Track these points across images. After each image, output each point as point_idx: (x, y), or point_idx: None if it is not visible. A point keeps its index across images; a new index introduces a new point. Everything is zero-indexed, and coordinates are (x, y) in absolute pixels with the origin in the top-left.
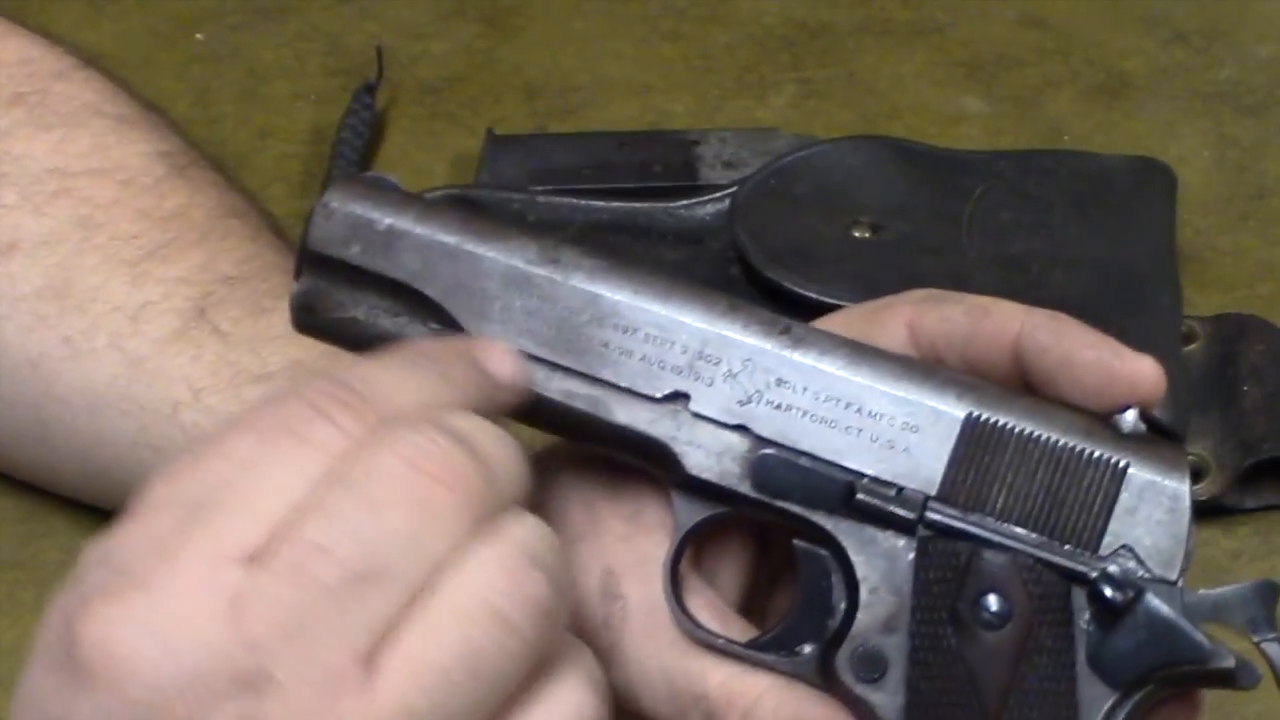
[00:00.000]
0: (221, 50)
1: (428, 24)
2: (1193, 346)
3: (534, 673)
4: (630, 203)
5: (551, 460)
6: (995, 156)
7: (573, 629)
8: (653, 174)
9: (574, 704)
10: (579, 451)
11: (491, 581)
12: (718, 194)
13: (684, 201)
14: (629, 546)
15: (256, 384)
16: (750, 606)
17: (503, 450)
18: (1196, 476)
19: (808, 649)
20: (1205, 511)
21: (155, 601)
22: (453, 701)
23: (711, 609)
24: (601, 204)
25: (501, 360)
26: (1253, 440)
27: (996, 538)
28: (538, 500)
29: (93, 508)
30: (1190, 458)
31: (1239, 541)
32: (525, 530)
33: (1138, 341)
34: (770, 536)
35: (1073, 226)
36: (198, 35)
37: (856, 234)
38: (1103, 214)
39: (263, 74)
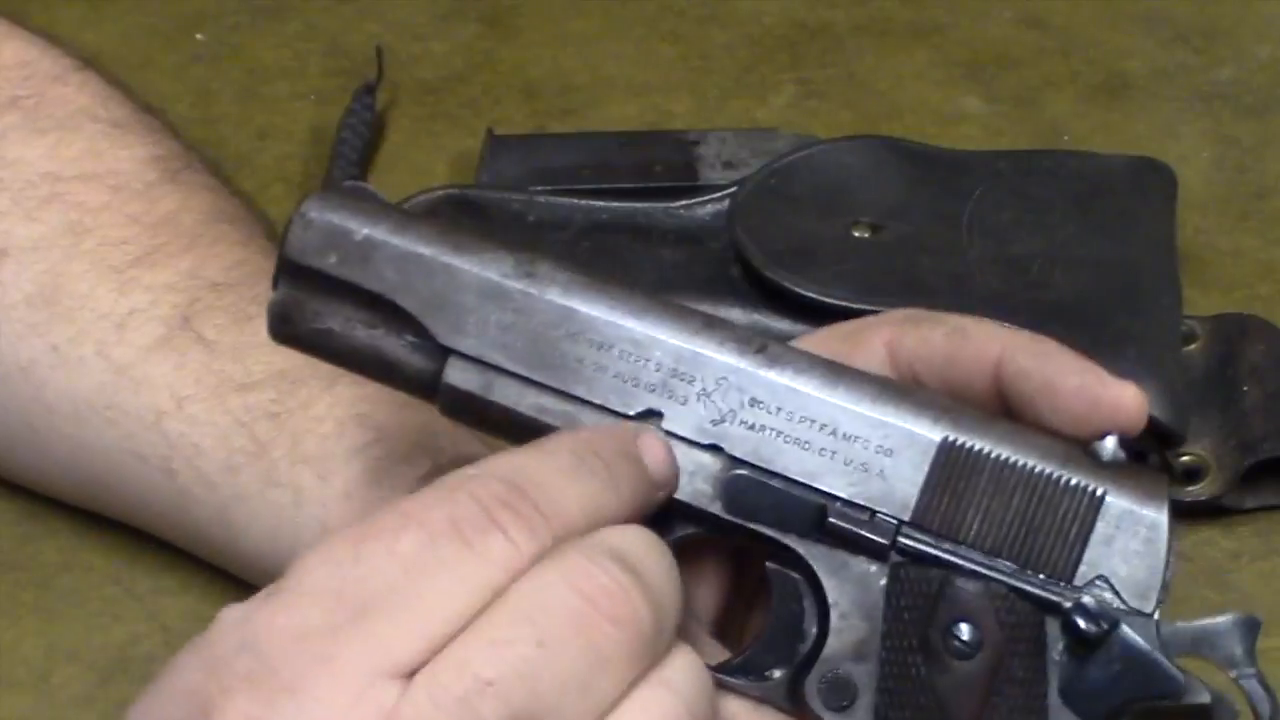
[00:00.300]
0: (221, 50)
1: (428, 24)
2: (1193, 346)
3: None
4: (630, 203)
5: None
6: (995, 156)
7: None
8: (653, 174)
9: None
10: None
11: (684, 684)
12: (718, 194)
13: (684, 201)
14: None
15: (240, 393)
16: (728, 627)
17: (668, 574)
18: (1196, 476)
19: (778, 674)
20: (1205, 511)
21: (305, 709)
22: None
23: (685, 632)
24: (601, 204)
25: (658, 456)
26: (1253, 440)
27: (970, 565)
28: None
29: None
30: (1190, 458)
31: (1239, 541)
32: (685, 676)
33: (1138, 341)
34: (746, 557)
35: (1073, 226)
36: (198, 35)
37: (856, 234)
38: (1103, 214)
39: (263, 74)
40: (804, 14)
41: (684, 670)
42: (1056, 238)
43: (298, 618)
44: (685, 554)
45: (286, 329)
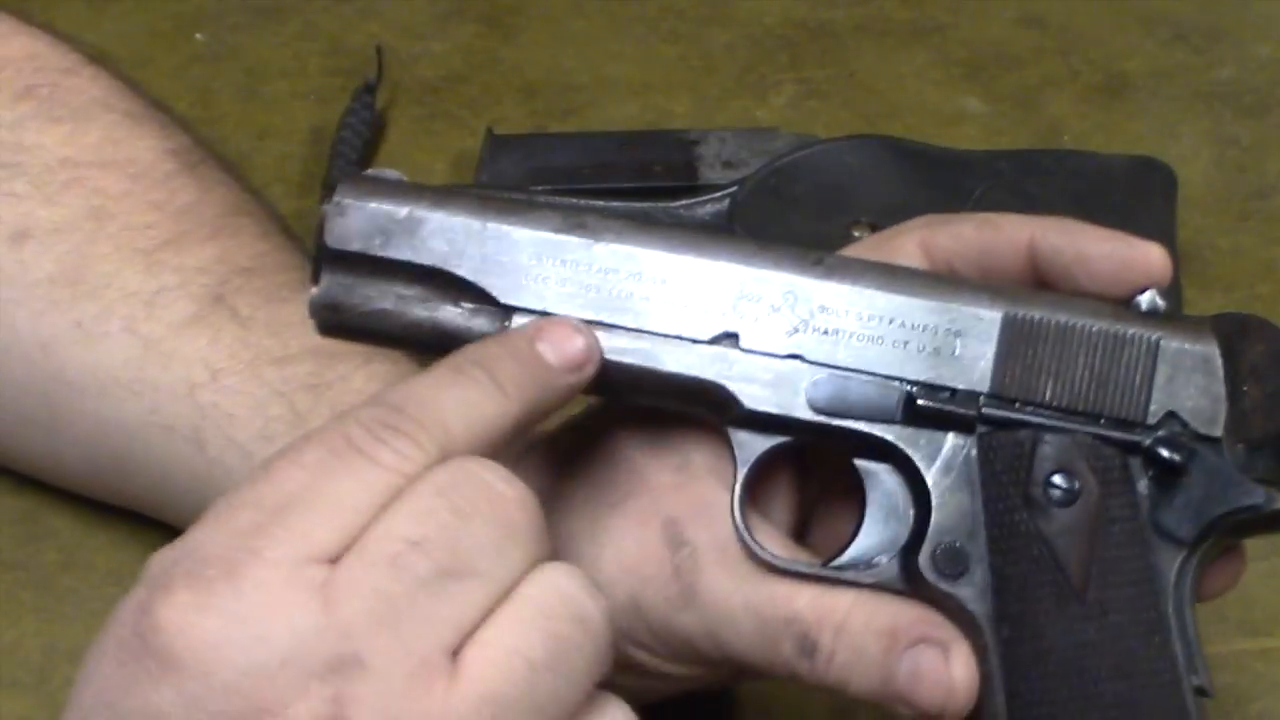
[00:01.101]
0: (221, 50)
1: (428, 24)
2: None
3: (589, 699)
4: (630, 203)
5: (584, 429)
6: (995, 156)
7: (643, 586)
8: (653, 174)
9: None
10: (610, 415)
11: (568, 585)
12: (718, 194)
13: (684, 201)
14: (683, 495)
15: (277, 366)
16: (794, 537)
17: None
18: None
19: (884, 560)
20: None
21: (242, 590)
22: (537, 690)
23: (777, 541)
24: (601, 204)
25: (564, 340)
26: (1253, 440)
27: (1053, 422)
28: (581, 468)
29: (94, 509)
30: None
31: None
32: (569, 572)
33: None
34: (809, 465)
35: None
36: (198, 35)
37: (856, 234)
38: (1103, 214)
39: (263, 74)
40: (804, 14)
41: (566, 568)
42: None
43: (226, 526)
44: (759, 472)
45: (336, 318)
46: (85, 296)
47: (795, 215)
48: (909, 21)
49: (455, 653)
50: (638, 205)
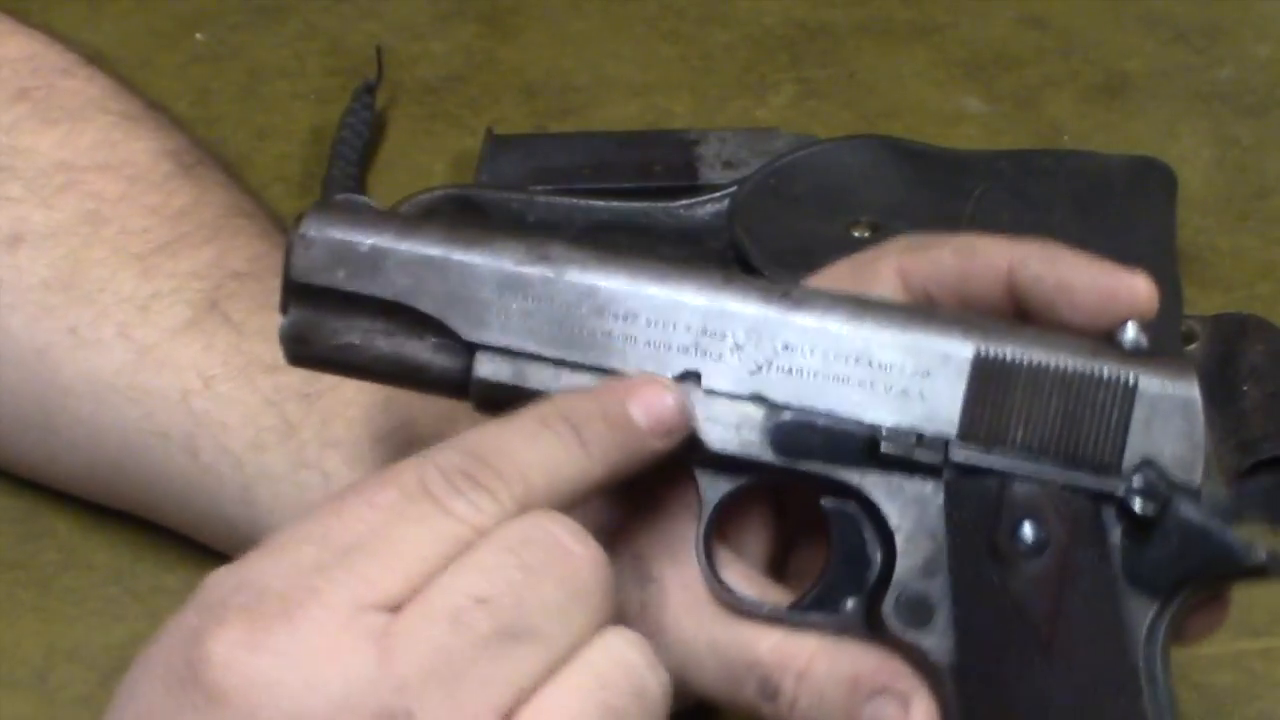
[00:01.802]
0: (221, 50)
1: (428, 24)
2: (1193, 346)
3: None
4: (630, 203)
5: None
6: (995, 156)
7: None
8: (653, 174)
9: None
10: None
11: (630, 656)
12: (718, 194)
13: (684, 201)
14: (653, 531)
15: (269, 374)
16: (771, 570)
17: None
18: None
19: (849, 604)
20: None
21: (298, 631)
22: None
23: (747, 579)
24: (601, 204)
25: (656, 404)
26: (1253, 440)
27: (1022, 469)
28: None
29: (93, 508)
30: None
31: None
32: (633, 639)
33: None
34: (785, 499)
35: (1073, 226)
36: (198, 35)
37: (856, 234)
38: (1103, 214)
39: (263, 74)
40: (804, 14)
41: (631, 636)
42: (1056, 238)
43: (288, 560)
44: (730, 506)
45: (304, 350)
46: (80, 302)
47: (795, 215)
48: (909, 21)
49: (508, 714)
50: (637, 205)
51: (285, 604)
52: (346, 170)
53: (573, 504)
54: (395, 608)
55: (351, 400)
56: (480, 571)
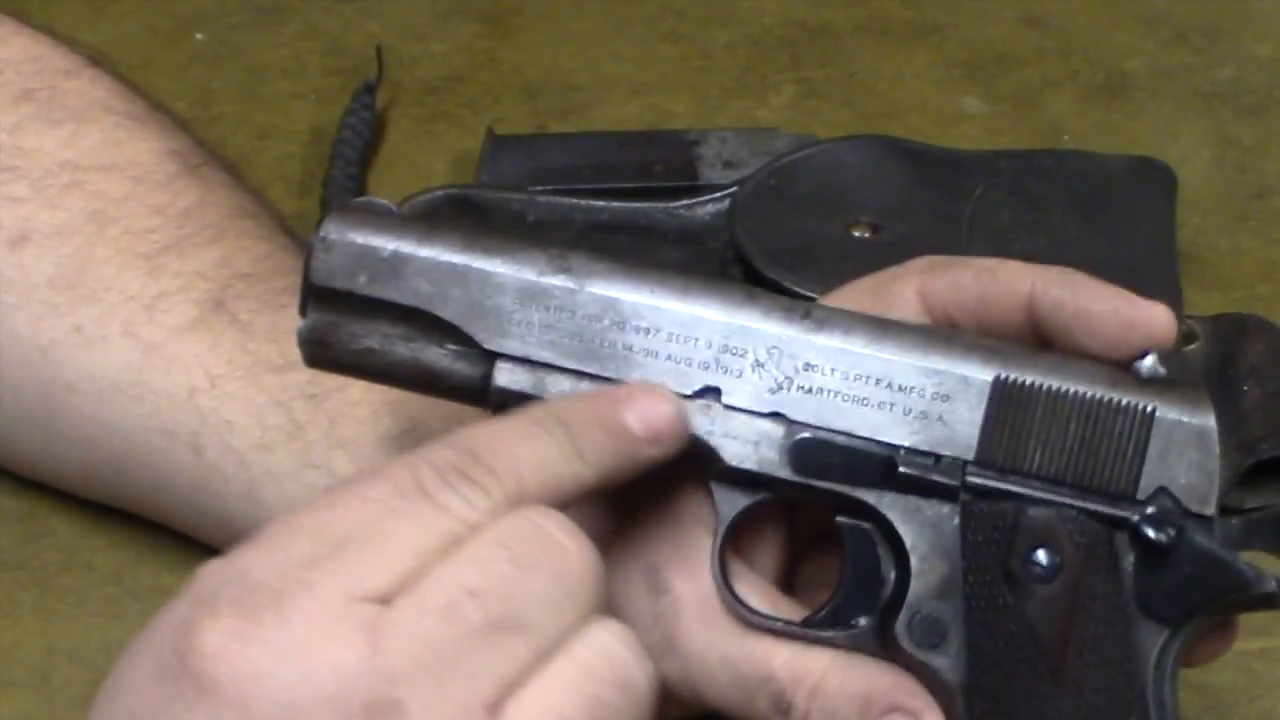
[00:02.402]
0: (221, 50)
1: (428, 24)
2: (1193, 346)
3: None
4: (630, 203)
5: None
6: (995, 156)
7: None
8: (653, 174)
9: None
10: None
11: (617, 649)
12: (718, 194)
13: (684, 201)
14: (667, 542)
15: (276, 373)
16: (780, 582)
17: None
18: None
19: (863, 621)
20: None
21: (289, 623)
22: None
23: (760, 593)
24: (601, 204)
25: (652, 413)
26: (1252, 440)
27: (1038, 494)
28: (570, 509)
29: (94, 509)
30: None
31: None
32: (621, 631)
33: None
34: (797, 512)
35: (1073, 226)
36: (198, 35)
37: (856, 234)
38: (1103, 214)
39: (263, 74)
40: (804, 14)
41: (617, 628)
42: (1056, 238)
43: (280, 552)
44: (744, 520)
45: (323, 353)
46: (85, 300)
47: (795, 215)
48: (909, 21)
49: (496, 705)
50: (638, 205)
51: (276, 596)
52: (347, 170)
53: (565, 504)
54: (386, 600)
55: (359, 401)
56: (472, 564)
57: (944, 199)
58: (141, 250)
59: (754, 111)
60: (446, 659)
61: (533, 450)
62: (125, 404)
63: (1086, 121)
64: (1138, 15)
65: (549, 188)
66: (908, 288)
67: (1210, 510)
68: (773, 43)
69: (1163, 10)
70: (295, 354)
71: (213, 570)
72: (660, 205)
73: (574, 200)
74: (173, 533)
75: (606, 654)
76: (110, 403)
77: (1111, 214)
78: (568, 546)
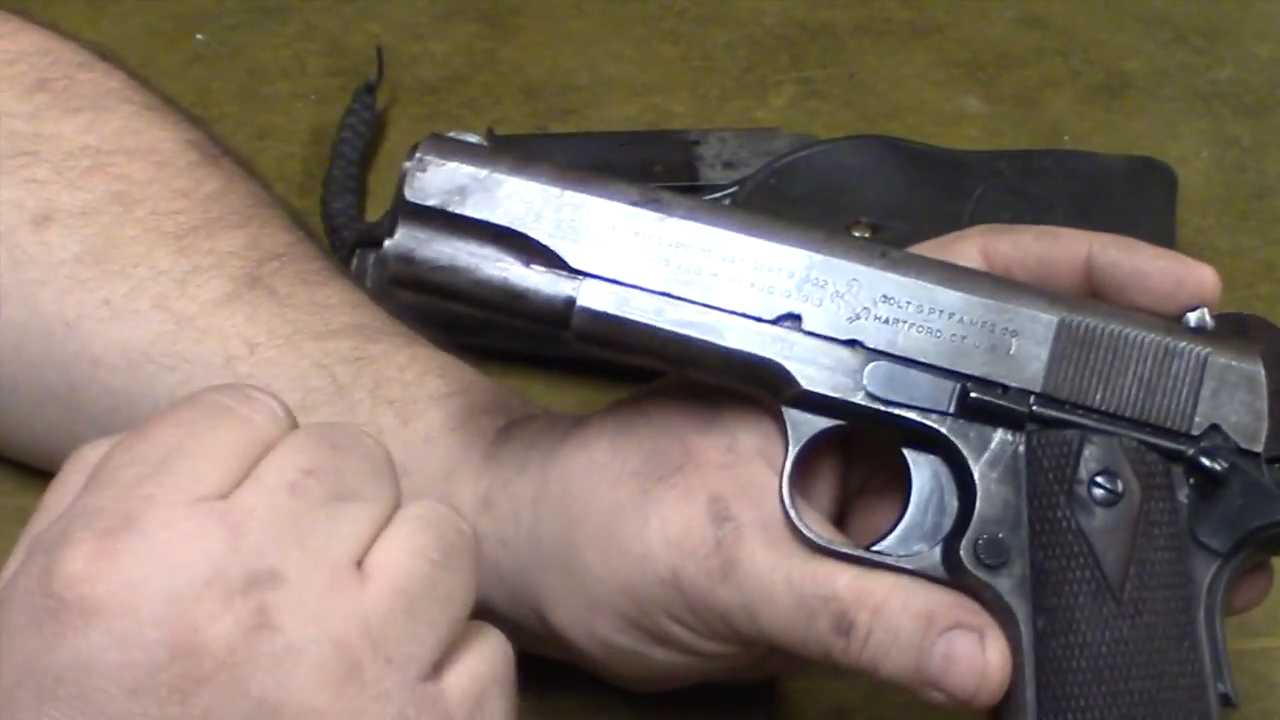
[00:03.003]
0: (221, 50)
1: (428, 24)
2: None
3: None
4: None
5: (639, 405)
6: (995, 156)
7: (684, 560)
8: (653, 174)
9: (501, 647)
10: (665, 393)
11: (443, 509)
12: (718, 194)
13: None
14: (730, 474)
15: (317, 340)
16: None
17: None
18: None
19: (924, 548)
20: None
21: (147, 530)
22: (439, 584)
23: (820, 524)
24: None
25: None
26: None
27: (1100, 425)
28: (634, 442)
29: None
30: None
31: None
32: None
33: None
34: (852, 457)
35: (1073, 226)
36: (198, 35)
37: (856, 234)
38: (1103, 214)
39: (263, 74)
40: (804, 14)
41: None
42: None
43: (108, 484)
44: (805, 457)
45: (408, 270)
46: (114, 275)
47: (795, 215)
48: (909, 21)
49: (359, 560)
50: None
51: (124, 515)
52: (347, 170)
53: None
54: (224, 496)
55: (406, 365)
56: (299, 452)
57: (944, 199)
58: (170, 230)
59: (754, 111)
60: (304, 528)
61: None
62: (155, 374)
63: (1086, 121)
64: (1138, 15)
65: None
66: (970, 247)
67: (1259, 448)
68: (773, 43)
69: (1163, 10)
70: (337, 323)
71: (42, 523)
72: None
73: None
74: None
75: (435, 510)
76: (139, 374)
77: (1111, 214)
78: (364, 435)
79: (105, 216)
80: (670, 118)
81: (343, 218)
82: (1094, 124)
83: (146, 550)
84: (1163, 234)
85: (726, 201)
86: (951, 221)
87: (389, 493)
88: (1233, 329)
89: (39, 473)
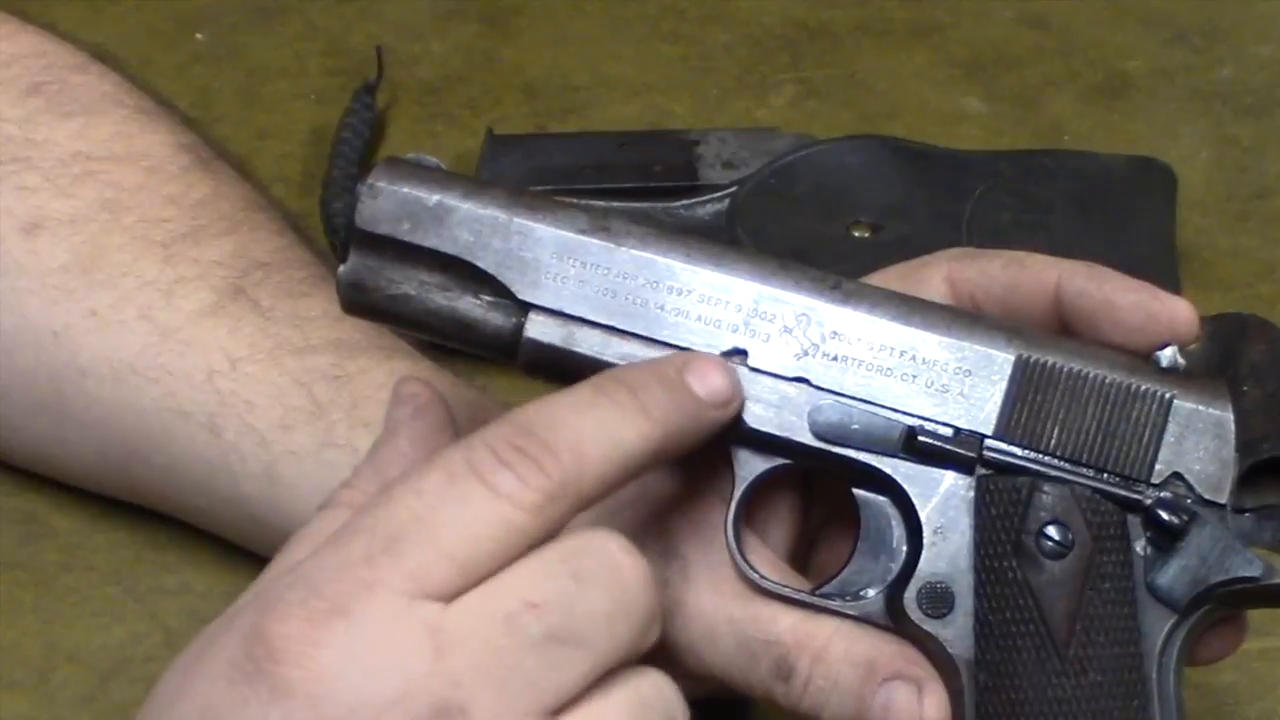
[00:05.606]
0: (221, 50)
1: (428, 24)
2: (1192, 346)
3: None
4: (630, 203)
5: None
6: (995, 156)
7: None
8: (653, 174)
9: None
10: None
11: (667, 690)
12: (718, 194)
13: (684, 201)
14: (680, 510)
15: (298, 356)
16: (794, 563)
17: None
18: None
19: (871, 593)
20: None
21: (357, 628)
22: None
23: (770, 564)
24: (602, 204)
25: (712, 377)
26: (1253, 440)
27: (1054, 471)
28: None
29: (94, 509)
30: None
31: None
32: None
33: None
34: (813, 494)
35: (1073, 226)
36: (198, 35)
37: (856, 234)
38: (1103, 214)
39: (263, 74)
40: (804, 14)
41: (668, 677)
42: (1056, 238)
43: (339, 553)
44: (759, 494)
45: (360, 298)
46: (100, 285)
47: (795, 215)
48: (909, 21)
49: (553, 715)
50: (638, 205)
51: (340, 599)
52: (347, 170)
53: (631, 471)
54: (445, 598)
55: (383, 384)
56: (534, 576)
57: (944, 199)
58: (157, 238)
59: (754, 111)
60: (507, 667)
61: (592, 418)
62: (141, 386)
63: (1086, 121)
64: (1138, 15)
65: (549, 188)
66: (936, 274)
67: (1224, 499)
68: (773, 43)
69: (1163, 10)
70: (317, 338)
71: (275, 573)
72: (660, 205)
73: (574, 200)
74: (173, 533)
75: (659, 690)
76: (125, 385)
77: (1111, 214)
78: (626, 565)
79: (94, 225)
80: (670, 118)
81: (342, 218)
82: (1094, 124)
83: (350, 646)
84: (1163, 234)
85: (726, 202)
86: (951, 221)
87: (621, 642)
88: (1232, 329)
89: (39, 473)
